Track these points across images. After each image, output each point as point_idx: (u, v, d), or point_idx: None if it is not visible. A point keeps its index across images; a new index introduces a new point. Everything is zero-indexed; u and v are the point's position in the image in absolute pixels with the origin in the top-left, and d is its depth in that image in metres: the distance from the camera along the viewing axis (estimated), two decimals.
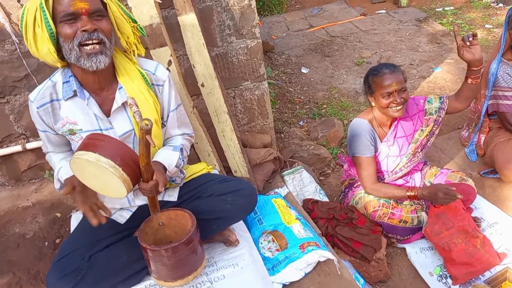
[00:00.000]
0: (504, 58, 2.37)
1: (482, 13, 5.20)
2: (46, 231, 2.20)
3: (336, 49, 4.64)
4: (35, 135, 2.26)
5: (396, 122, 2.14)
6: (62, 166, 1.57)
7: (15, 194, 2.33)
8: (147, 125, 1.25)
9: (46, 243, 2.18)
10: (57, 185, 1.59)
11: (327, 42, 4.82)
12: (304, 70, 4.27)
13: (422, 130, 2.15)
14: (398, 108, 2.00)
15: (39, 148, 2.26)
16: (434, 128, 2.14)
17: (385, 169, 2.20)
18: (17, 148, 2.25)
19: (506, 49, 2.37)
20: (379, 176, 2.22)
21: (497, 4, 5.38)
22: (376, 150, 2.15)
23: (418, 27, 4.87)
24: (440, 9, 5.51)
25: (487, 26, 4.84)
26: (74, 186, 1.44)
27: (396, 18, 5.20)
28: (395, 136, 2.14)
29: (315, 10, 6.13)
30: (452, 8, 5.47)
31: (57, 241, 2.19)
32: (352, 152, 2.17)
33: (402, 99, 1.98)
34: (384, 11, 5.79)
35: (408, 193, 2.06)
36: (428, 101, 2.15)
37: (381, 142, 2.16)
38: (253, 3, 2.17)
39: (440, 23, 4.99)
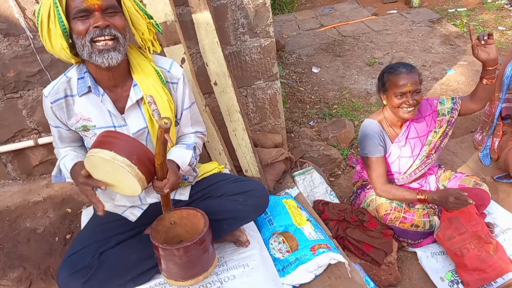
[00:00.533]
0: None
1: (495, 14, 5.14)
2: (56, 226, 2.20)
3: (348, 49, 4.61)
4: (48, 130, 2.26)
5: (408, 123, 2.11)
6: (67, 154, 1.57)
7: (26, 189, 2.34)
8: (166, 123, 1.24)
9: (57, 238, 2.18)
10: (54, 171, 1.60)
11: (338, 41, 4.79)
12: (315, 70, 4.24)
13: (435, 131, 2.12)
14: (409, 109, 1.97)
15: (51, 143, 2.26)
16: (447, 129, 2.12)
17: (397, 170, 2.17)
18: (29, 143, 2.25)
19: None
20: (390, 178, 2.20)
21: (511, 6, 5.31)
22: (386, 150, 2.13)
23: (431, 28, 4.81)
24: (453, 10, 5.45)
25: (500, 28, 4.77)
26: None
27: (408, 19, 5.15)
28: (407, 137, 2.11)
29: (326, 9, 6.10)
30: (464, 9, 5.41)
31: (68, 236, 2.20)
32: (362, 152, 2.16)
33: (414, 101, 1.95)
34: (395, 11, 5.74)
35: (418, 196, 2.03)
36: (440, 102, 2.13)
37: (392, 143, 2.14)
38: (268, 2, 2.15)
39: (453, 24, 4.93)
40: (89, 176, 1.38)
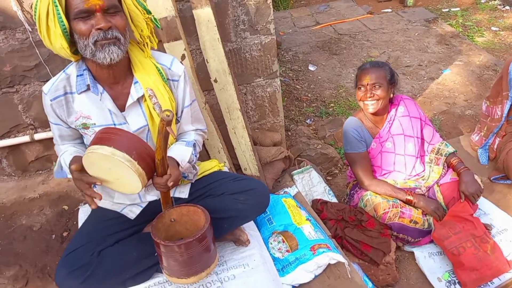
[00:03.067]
0: None
1: (489, 15, 5.18)
2: (53, 223, 2.17)
3: (344, 47, 4.60)
4: (44, 126, 2.23)
5: (390, 119, 2.16)
6: (67, 150, 1.55)
7: (22, 185, 2.30)
8: (168, 116, 1.23)
9: (53, 236, 2.15)
10: (55, 167, 1.58)
11: (334, 39, 4.79)
12: (311, 68, 4.23)
13: (430, 166, 2.23)
14: (370, 102, 2.05)
15: (47, 139, 2.24)
16: (443, 172, 2.23)
17: (379, 165, 2.21)
18: (25, 138, 2.22)
19: None
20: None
21: (504, 7, 5.36)
22: (367, 145, 2.17)
23: (427, 28, 4.83)
24: (447, 9, 5.49)
25: (493, 28, 4.82)
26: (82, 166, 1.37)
27: (404, 18, 5.16)
28: (388, 131, 2.16)
29: (321, 7, 6.08)
30: (458, 9, 5.45)
31: (64, 234, 2.17)
32: (345, 149, 2.22)
33: (373, 94, 2.03)
34: (390, 9, 5.76)
35: (407, 197, 2.11)
36: (444, 143, 2.24)
37: (373, 138, 2.18)
38: None
39: (449, 24, 4.96)
40: (81, 170, 1.35)
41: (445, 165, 2.25)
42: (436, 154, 2.23)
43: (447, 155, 2.21)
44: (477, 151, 2.65)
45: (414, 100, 2.25)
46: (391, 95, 2.13)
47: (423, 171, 2.25)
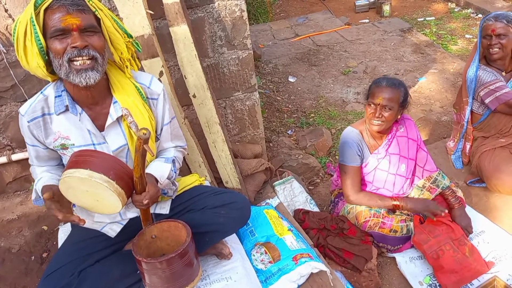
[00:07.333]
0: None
1: (462, 23, 5.34)
2: (32, 245, 2.14)
3: (323, 58, 4.69)
4: (21, 146, 2.21)
5: (390, 136, 2.15)
6: (42, 177, 1.53)
7: (0, 207, 2.26)
8: (145, 134, 1.24)
9: (33, 257, 2.12)
10: (33, 196, 1.56)
11: (313, 51, 4.88)
12: (291, 79, 4.30)
13: (420, 189, 2.21)
14: (377, 122, 2.02)
15: (25, 160, 2.21)
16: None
17: (370, 181, 2.21)
18: (2, 159, 2.19)
19: (481, 57, 2.43)
20: (362, 188, 2.24)
21: (476, 15, 5.54)
22: (363, 160, 2.17)
23: (402, 37, 4.97)
24: (422, 19, 5.64)
25: (467, 36, 4.97)
26: (54, 193, 1.36)
27: (380, 28, 5.30)
28: (387, 150, 2.16)
29: (300, 19, 6.19)
30: (433, 18, 5.60)
31: (44, 255, 2.14)
32: (340, 159, 2.20)
33: (381, 116, 1.99)
34: (367, 20, 5.90)
35: (393, 202, 2.11)
36: (441, 174, 2.23)
37: (371, 153, 2.18)
38: (245, 15, 2.18)
39: (423, 33, 5.10)
40: (53, 198, 1.34)
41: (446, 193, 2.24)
42: (431, 183, 2.21)
43: (444, 188, 2.21)
44: (451, 158, 2.72)
45: (414, 121, 2.24)
46: (398, 117, 2.10)
47: (409, 190, 2.25)
